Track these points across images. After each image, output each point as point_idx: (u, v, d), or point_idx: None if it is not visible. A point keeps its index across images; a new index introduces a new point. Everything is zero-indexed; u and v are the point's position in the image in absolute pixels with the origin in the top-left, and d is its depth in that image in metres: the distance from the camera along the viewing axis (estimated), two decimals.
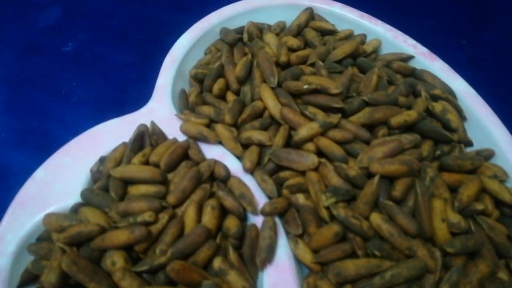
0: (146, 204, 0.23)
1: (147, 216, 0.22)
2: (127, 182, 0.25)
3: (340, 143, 0.26)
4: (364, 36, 0.35)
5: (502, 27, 0.43)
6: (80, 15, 0.41)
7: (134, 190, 0.25)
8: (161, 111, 0.30)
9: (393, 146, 0.25)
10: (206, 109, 0.30)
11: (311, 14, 0.36)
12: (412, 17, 0.42)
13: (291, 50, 0.32)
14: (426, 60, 0.33)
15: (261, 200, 0.26)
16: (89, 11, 0.41)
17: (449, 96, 0.30)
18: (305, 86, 0.28)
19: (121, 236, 0.22)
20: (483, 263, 0.23)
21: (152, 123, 0.28)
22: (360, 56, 0.33)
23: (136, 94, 0.35)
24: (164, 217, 0.23)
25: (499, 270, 0.24)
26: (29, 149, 0.33)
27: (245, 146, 0.28)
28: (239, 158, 0.28)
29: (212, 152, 0.28)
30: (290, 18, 0.36)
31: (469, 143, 0.29)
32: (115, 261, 0.22)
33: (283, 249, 0.24)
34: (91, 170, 0.27)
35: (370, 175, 0.25)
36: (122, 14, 0.41)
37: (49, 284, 0.21)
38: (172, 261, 0.21)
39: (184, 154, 0.27)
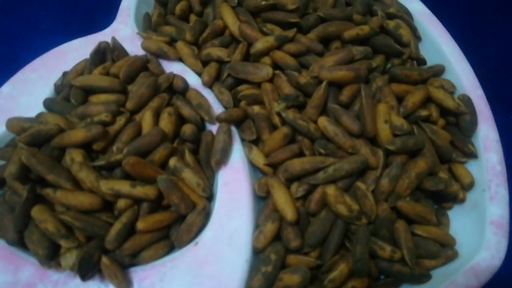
0: (103, 107, 0.24)
1: (103, 116, 0.24)
2: (87, 92, 0.26)
3: (294, 55, 0.27)
4: None
5: None
6: None
7: (94, 99, 0.26)
8: (123, 31, 0.30)
9: (343, 55, 0.26)
10: (168, 29, 0.30)
11: None
12: None
13: None
14: None
15: (218, 111, 0.27)
16: None
17: (404, 14, 0.31)
18: (263, 2, 0.29)
19: (79, 134, 0.23)
20: (422, 160, 0.24)
21: (113, 38, 0.29)
22: None
23: (104, 22, 0.36)
24: (121, 119, 0.25)
25: (440, 170, 0.26)
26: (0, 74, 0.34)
27: (205, 64, 0.29)
28: (199, 75, 0.29)
29: (172, 68, 0.29)
30: None
31: (422, 61, 0.30)
32: (74, 157, 0.23)
33: (237, 153, 0.26)
34: (55, 84, 0.28)
35: (319, 83, 0.26)
36: None
37: (9, 174, 0.22)
38: (128, 157, 0.23)
39: (143, 67, 0.28)
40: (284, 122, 0.26)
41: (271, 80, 0.27)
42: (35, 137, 0.23)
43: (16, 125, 0.25)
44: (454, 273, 0.23)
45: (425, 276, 0.24)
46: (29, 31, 0.35)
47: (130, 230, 0.23)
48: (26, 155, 0.22)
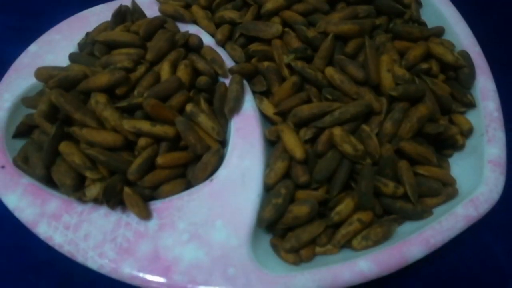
0: (125, 56, 0.26)
1: (126, 63, 0.26)
2: (110, 47, 0.28)
3: (302, 14, 0.29)
4: None
5: None
6: None
7: (116, 52, 0.28)
8: None
9: (348, 12, 0.28)
10: None
11: None
12: None
13: None
14: None
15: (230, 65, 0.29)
16: None
17: None
18: None
19: (103, 78, 0.25)
20: (423, 106, 0.26)
21: (133, 2, 0.31)
22: None
23: None
24: (141, 68, 0.26)
25: (440, 118, 0.27)
26: (23, 44, 0.36)
27: (218, 26, 0.31)
28: (213, 36, 0.31)
29: (188, 29, 0.31)
30: None
31: (423, 23, 0.32)
32: (98, 99, 0.25)
33: (249, 103, 0.27)
34: (78, 43, 0.30)
35: (326, 36, 0.28)
36: None
37: (39, 113, 0.24)
38: (148, 99, 0.25)
39: (161, 26, 0.30)
40: (292, 72, 0.27)
41: (280, 37, 0.29)
42: (62, 82, 0.25)
43: (45, 73, 0.27)
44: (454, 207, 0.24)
45: (427, 213, 0.25)
46: (50, 4, 0.38)
47: (150, 166, 0.24)
48: (56, 95, 0.24)
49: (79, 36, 0.31)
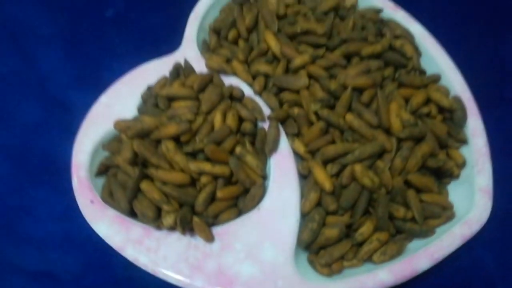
0: (187, 109, 0.33)
1: (189, 116, 0.32)
2: (170, 100, 0.35)
3: (324, 68, 0.36)
4: None
5: None
6: None
7: (176, 104, 0.34)
8: (190, 54, 0.39)
9: (362, 67, 0.35)
10: (224, 51, 0.39)
11: None
12: None
13: (287, 5, 0.41)
14: (391, 11, 0.42)
15: (267, 113, 0.35)
16: None
17: (407, 36, 0.39)
18: (299, 30, 0.37)
19: (171, 129, 0.31)
20: (425, 145, 0.33)
21: (185, 60, 0.38)
22: (341, 9, 0.42)
23: (165, 47, 0.44)
24: (199, 119, 0.33)
25: (439, 153, 0.34)
26: (86, 90, 0.42)
27: (254, 77, 0.38)
28: (250, 85, 0.37)
29: (230, 81, 0.37)
30: None
31: (422, 71, 0.39)
32: (168, 146, 0.31)
33: (284, 144, 0.34)
34: (141, 96, 0.37)
35: (345, 88, 0.34)
36: None
37: (124, 159, 0.31)
38: (208, 145, 0.31)
39: (210, 81, 0.36)
40: (319, 118, 0.34)
41: (307, 88, 0.36)
42: (139, 133, 0.32)
43: (122, 124, 0.33)
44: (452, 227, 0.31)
45: (431, 232, 0.31)
46: (108, 55, 0.44)
47: (211, 199, 0.31)
48: (137, 144, 0.30)
49: (141, 88, 0.37)
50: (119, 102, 0.36)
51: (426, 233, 0.31)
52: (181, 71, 0.37)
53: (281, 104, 0.36)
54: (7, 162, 0.38)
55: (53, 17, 0.48)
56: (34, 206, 0.37)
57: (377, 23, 0.41)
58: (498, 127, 0.35)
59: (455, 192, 0.34)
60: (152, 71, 0.38)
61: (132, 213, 0.31)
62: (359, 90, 0.34)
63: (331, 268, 0.30)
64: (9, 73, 0.44)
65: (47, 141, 0.39)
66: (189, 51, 0.39)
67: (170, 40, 0.45)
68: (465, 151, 0.35)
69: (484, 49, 0.46)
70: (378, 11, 0.43)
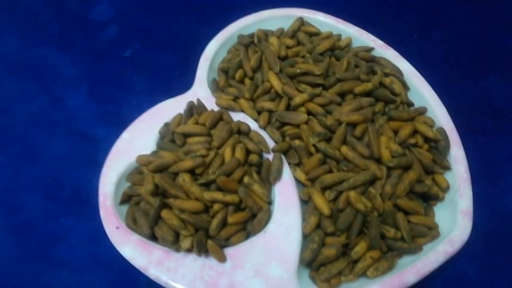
0: (201, 145, 0.37)
1: (203, 151, 0.37)
2: (185, 136, 0.39)
3: (321, 105, 0.40)
4: (340, 35, 0.49)
5: (448, 26, 0.57)
6: (132, 29, 0.56)
7: (190, 140, 0.39)
8: (201, 93, 0.44)
9: (355, 104, 0.39)
10: (232, 90, 0.44)
11: (301, 22, 0.50)
12: (375, 19, 0.56)
13: (288, 47, 0.46)
14: (382, 50, 0.47)
15: (271, 145, 0.40)
16: (138, 26, 0.56)
17: (396, 73, 0.44)
18: (298, 70, 0.42)
19: (187, 163, 0.36)
20: (412, 172, 0.37)
21: (198, 99, 0.42)
22: (336, 49, 0.47)
23: (178, 85, 0.49)
24: (211, 153, 0.37)
25: (426, 179, 0.38)
26: (109, 125, 0.47)
27: (259, 113, 0.42)
28: (256, 120, 0.42)
29: (238, 117, 0.42)
30: (286, 25, 0.50)
31: (410, 104, 0.43)
32: (185, 178, 0.36)
33: (287, 173, 0.38)
34: (159, 131, 0.41)
35: (340, 124, 0.39)
36: (164, 28, 0.56)
37: (147, 190, 0.35)
38: (220, 177, 0.36)
39: (220, 118, 0.41)
40: (317, 150, 0.38)
41: (306, 123, 0.40)
42: (159, 166, 0.36)
43: (144, 159, 0.38)
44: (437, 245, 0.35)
45: (418, 249, 0.35)
46: (126, 94, 0.49)
47: (223, 224, 0.35)
48: (158, 178, 0.35)
49: (159, 125, 0.42)
50: (139, 138, 0.41)
51: (415, 250, 0.35)
52: (194, 109, 0.42)
53: (283, 137, 0.41)
54: (40, 193, 0.43)
55: (75, 59, 0.53)
56: (65, 233, 0.41)
57: (369, 61, 0.46)
58: (478, 155, 0.40)
59: (440, 213, 0.38)
60: (168, 109, 0.43)
61: (153, 238, 0.35)
62: (352, 125, 0.39)
63: (330, 283, 0.34)
64: (38, 112, 0.49)
65: (74, 173, 0.44)
66: (201, 90, 0.44)
67: (182, 78, 0.50)
68: (448, 176, 0.39)
69: (466, 85, 0.50)
70: (370, 49, 0.48)
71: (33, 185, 0.44)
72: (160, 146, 0.40)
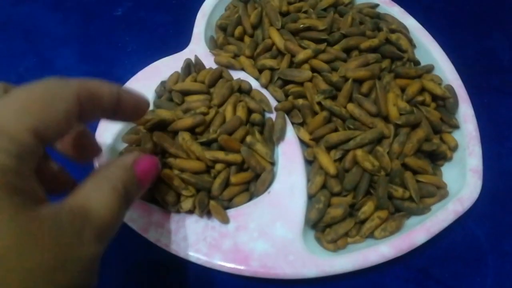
0: (201, 103, 0.36)
1: (203, 108, 0.35)
2: (184, 94, 0.38)
3: (326, 62, 0.38)
4: None
5: None
6: None
7: (189, 98, 0.37)
8: (199, 50, 0.42)
9: (361, 60, 0.38)
10: (231, 47, 0.42)
11: None
12: None
13: (289, 3, 0.43)
14: (387, 6, 0.45)
15: (274, 104, 0.38)
16: None
17: (403, 29, 0.42)
18: (301, 26, 0.40)
19: (187, 121, 0.34)
20: (421, 130, 0.35)
21: (196, 56, 0.40)
22: (340, 5, 0.44)
23: (174, 44, 0.47)
24: (212, 111, 0.36)
25: (434, 137, 0.37)
26: None
27: (260, 71, 0.40)
28: (257, 79, 0.40)
29: (238, 75, 0.40)
30: None
31: (417, 62, 0.41)
32: (184, 137, 0.34)
33: (291, 133, 0.37)
34: (155, 91, 0.39)
35: (346, 80, 0.37)
36: None
37: (145, 149, 0.33)
38: (221, 135, 0.34)
39: (220, 75, 0.39)
40: (322, 108, 0.37)
41: (310, 80, 0.38)
42: (156, 125, 0.34)
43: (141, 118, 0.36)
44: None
45: (427, 209, 0.34)
46: (119, 54, 0.47)
47: (226, 184, 0.34)
48: (157, 136, 0.33)
49: (154, 83, 0.40)
50: None
51: (423, 210, 0.34)
52: (192, 67, 0.40)
53: (286, 95, 0.39)
54: None
55: (65, 17, 0.50)
56: None
57: (374, 18, 0.44)
58: (484, 113, 0.38)
59: (449, 173, 0.37)
60: (164, 67, 0.41)
61: (153, 200, 0.34)
62: (359, 82, 0.37)
63: (336, 244, 0.33)
64: (25, 73, 0.46)
65: None
66: (198, 48, 0.42)
67: (178, 36, 0.48)
68: (457, 135, 0.38)
69: (471, 42, 0.49)
70: (375, 6, 0.45)
71: None
72: (157, 105, 0.38)
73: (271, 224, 0.33)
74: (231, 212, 0.33)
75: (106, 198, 0.22)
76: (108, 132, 0.37)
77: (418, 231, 0.32)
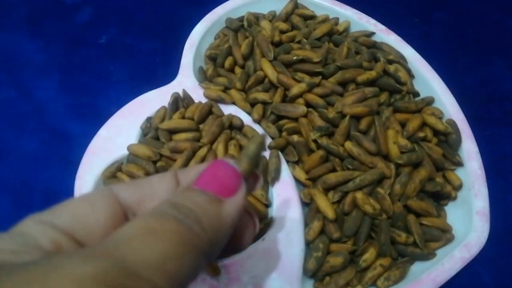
0: (189, 143, 0.33)
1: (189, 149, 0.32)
2: (171, 132, 0.35)
3: (321, 96, 0.36)
4: (337, 19, 0.45)
5: (450, 7, 0.53)
6: (108, 12, 0.50)
7: (177, 137, 0.35)
8: (187, 83, 0.39)
9: (359, 95, 0.36)
10: (221, 79, 0.39)
11: (295, 4, 0.46)
12: (372, 1, 0.52)
13: (282, 32, 0.42)
14: (384, 34, 0.43)
15: (267, 141, 0.36)
16: (115, 8, 0.51)
17: (401, 60, 0.40)
18: (294, 57, 0.38)
19: (177, 163, 0.32)
20: (423, 170, 0.33)
21: (184, 90, 0.38)
22: (334, 34, 0.43)
23: (161, 74, 0.45)
24: (204, 150, 0.33)
25: (436, 176, 0.35)
26: (83, 119, 0.42)
27: (252, 105, 0.38)
28: (249, 113, 0.38)
29: (229, 110, 0.38)
30: (279, 7, 0.45)
31: (416, 94, 0.40)
32: None
33: (285, 172, 0.34)
34: (141, 127, 0.37)
35: (343, 117, 0.35)
36: (144, 10, 0.50)
37: None
38: None
39: (209, 111, 0.37)
40: (318, 146, 0.35)
41: (305, 116, 0.36)
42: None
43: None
44: (452, 250, 0.32)
45: (432, 254, 0.32)
46: (103, 84, 0.44)
47: None
48: None
49: (140, 119, 0.37)
50: (119, 135, 0.37)
51: (427, 255, 0.32)
52: (180, 102, 0.38)
53: (280, 131, 0.37)
54: (7, 197, 0.38)
55: (45, 45, 0.48)
56: None
57: (370, 47, 0.42)
58: (486, 146, 0.36)
59: (453, 213, 0.35)
60: (151, 102, 0.38)
61: None
62: (356, 118, 0.35)
63: None
64: (4, 104, 0.44)
65: (46, 174, 0.39)
66: (186, 80, 0.40)
67: (165, 66, 0.45)
68: (461, 173, 0.36)
69: (471, 70, 0.47)
70: (370, 34, 0.44)
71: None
72: (142, 143, 0.35)
73: (266, 275, 0.30)
74: (223, 262, 0.31)
75: None
76: (89, 173, 0.35)
77: (424, 281, 0.30)
